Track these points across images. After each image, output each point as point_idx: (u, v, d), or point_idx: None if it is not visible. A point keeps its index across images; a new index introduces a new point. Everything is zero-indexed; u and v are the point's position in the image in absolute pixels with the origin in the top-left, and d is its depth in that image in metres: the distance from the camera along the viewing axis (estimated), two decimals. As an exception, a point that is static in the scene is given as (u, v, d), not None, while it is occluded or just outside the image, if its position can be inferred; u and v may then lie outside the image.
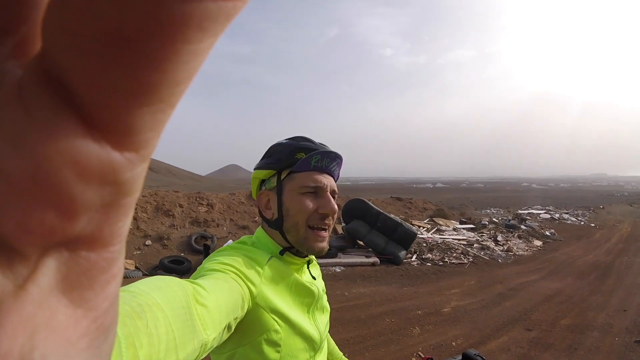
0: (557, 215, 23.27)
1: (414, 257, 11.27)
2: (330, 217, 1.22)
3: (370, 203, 12.51)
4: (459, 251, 12.12)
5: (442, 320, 6.46)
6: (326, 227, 1.23)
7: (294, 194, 1.20)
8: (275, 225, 1.23)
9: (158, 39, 0.14)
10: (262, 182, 1.28)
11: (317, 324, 1.25)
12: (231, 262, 1.03)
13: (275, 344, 1.07)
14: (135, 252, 10.42)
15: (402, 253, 10.83)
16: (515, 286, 8.79)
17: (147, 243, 10.91)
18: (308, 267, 1.34)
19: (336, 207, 1.23)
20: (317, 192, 1.21)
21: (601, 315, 6.93)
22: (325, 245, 1.23)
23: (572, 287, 8.81)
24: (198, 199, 13.51)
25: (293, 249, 1.24)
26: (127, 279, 8.64)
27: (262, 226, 1.31)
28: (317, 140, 1.29)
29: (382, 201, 19.49)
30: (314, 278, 1.33)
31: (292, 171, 1.21)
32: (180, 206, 12.88)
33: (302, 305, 1.21)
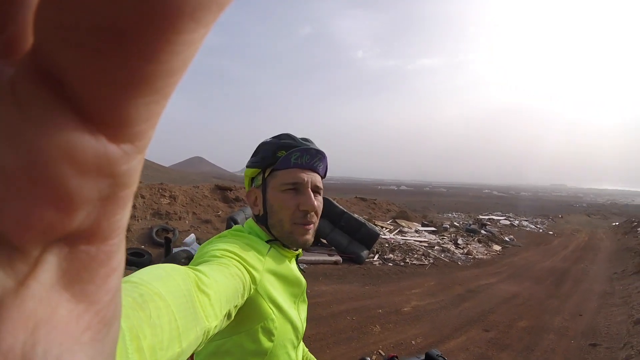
0: (517, 222, 23.73)
1: (376, 257, 11.30)
2: (312, 214, 1.24)
3: (334, 202, 12.51)
4: (420, 253, 12.20)
5: (402, 319, 6.48)
6: (310, 222, 1.25)
7: (276, 192, 1.24)
8: (261, 221, 1.28)
9: (152, 31, 0.14)
10: (252, 180, 1.31)
11: (300, 315, 1.29)
12: (234, 249, 1.03)
13: (270, 333, 1.10)
14: None
15: (365, 253, 10.86)
16: (474, 288, 8.92)
17: None
18: (296, 260, 1.37)
19: (316, 203, 1.25)
20: (298, 188, 1.24)
21: (557, 318, 7.07)
22: (309, 237, 1.26)
23: (530, 290, 8.98)
24: (160, 191, 13.27)
25: (278, 241, 1.26)
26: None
27: (252, 219, 1.34)
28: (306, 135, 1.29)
29: (346, 200, 19.56)
30: (302, 270, 1.36)
31: (274, 169, 1.24)
32: (142, 197, 12.63)
33: (291, 295, 1.23)
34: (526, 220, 25.08)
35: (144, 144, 0.18)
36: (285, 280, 1.21)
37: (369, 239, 11.34)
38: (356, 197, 21.27)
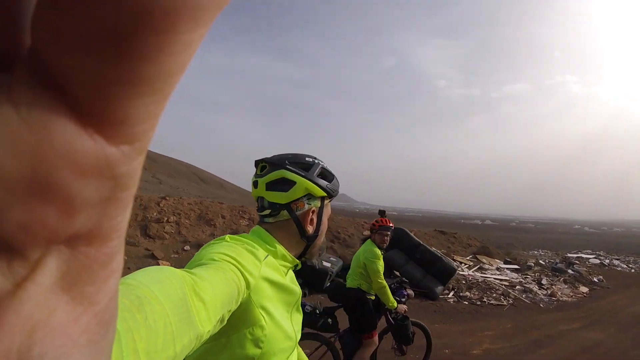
0: (607, 260, 22.38)
1: (451, 293, 11.03)
2: None
3: (411, 233, 12.36)
4: (500, 292, 11.76)
5: (470, 363, 6.26)
6: None
7: (326, 218, 1.41)
8: (308, 239, 1.35)
9: (151, 32, 0.14)
10: (306, 196, 1.33)
11: (294, 324, 1.30)
12: (232, 253, 1.04)
13: (258, 339, 1.09)
14: (173, 255, 10.87)
15: (439, 288, 10.63)
16: (554, 334, 8.45)
17: (185, 248, 11.36)
18: (295, 270, 1.42)
19: None
20: None
21: (642, 372, 6.55)
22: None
23: (614, 338, 8.38)
24: (240, 212, 13.74)
25: (298, 256, 1.37)
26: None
27: (268, 229, 1.33)
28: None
29: (425, 233, 19.23)
30: (297, 277, 1.44)
31: (330, 197, 1.39)
32: (223, 217, 13.13)
33: (284, 304, 1.25)
34: (617, 259, 23.63)
35: (143, 146, 0.18)
36: (279, 288, 1.22)
37: (445, 274, 11.09)
38: (435, 229, 20.90)
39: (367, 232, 15.12)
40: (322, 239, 1.39)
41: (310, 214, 1.34)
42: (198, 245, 11.33)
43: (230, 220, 13.14)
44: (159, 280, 0.65)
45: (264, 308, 1.11)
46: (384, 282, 4.53)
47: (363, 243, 4.87)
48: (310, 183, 1.31)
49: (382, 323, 5.05)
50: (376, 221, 4.84)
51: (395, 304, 4.64)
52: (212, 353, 1.09)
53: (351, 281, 4.83)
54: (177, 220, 12.54)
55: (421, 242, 12.00)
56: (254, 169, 1.38)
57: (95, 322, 0.19)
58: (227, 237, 1.19)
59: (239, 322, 1.07)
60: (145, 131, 0.17)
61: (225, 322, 0.91)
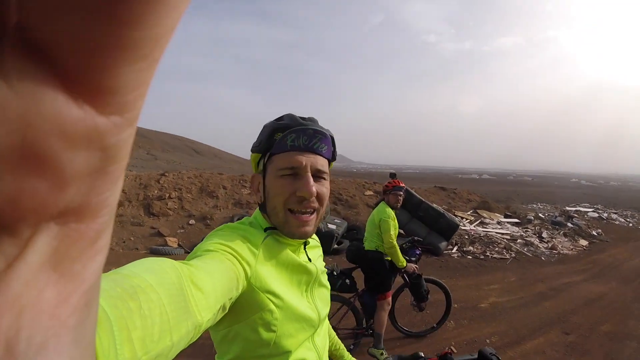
0: (606, 214, 22.57)
1: (455, 249, 11.20)
2: (310, 200, 1.17)
3: (412, 191, 12.40)
4: (502, 246, 11.92)
5: (478, 316, 6.44)
6: (309, 211, 1.18)
7: (273, 177, 1.18)
8: (262, 208, 1.24)
9: None
10: (257, 165, 1.25)
11: (316, 302, 1.26)
12: (227, 242, 1.02)
13: (269, 324, 1.07)
14: (179, 231, 10.89)
15: (443, 244, 10.76)
16: (557, 286, 8.63)
17: (190, 222, 11.38)
18: (305, 249, 1.30)
19: (319, 188, 1.18)
20: (297, 173, 1.16)
21: (643, 324, 6.75)
22: (308, 229, 1.19)
23: (616, 291, 8.59)
24: (241, 182, 13.80)
25: (278, 230, 1.21)
26: (170, 255, 8.90)
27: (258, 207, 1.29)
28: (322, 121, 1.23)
29: (425, 190, 19.31)
30: (309, 260, 1.29)
31: (272, 153, 1.18)
32: (224, 188, 13.16)
33: (299, 283, 1.21)
34: (615, 213, 23.81)
35: (133, 116, 0.18)
36: (286, 267, 1.17)
37: (448, 230, 11.21)
38: (435, 186, 20.93)
39: (369, 192, 15.24)
40: (273, 201, 1.18)
41: (255, 181, 1.26)
42: (203, 218, 11.51)
43: (232, 190, 13.23)
44: (154, 270, 0.64)
45: (270, 292, 1.07)
46: (395, 241, 4.62)
47: (376, 206, 4.94)
48: (251, 153, 1.26)
49: (399, 281, 5.19)
50: (389, 182, 4.91)
51: (405, 263, 4.75)
52: (225, 342, 1.10)
53: (369, 243, 4.91)
54: (179, 196, 12.58)
55: (423, 200, 12.08)
56: (251, 137, 1.27)
57: (83, 302, 0.19)
58: (224, 226, 1.16)
59: (246, 309, 1.04)
60: (134, 100, 0.17)
61: (228, 310, 0.91)
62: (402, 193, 4.85)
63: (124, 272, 0.59)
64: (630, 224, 20.45)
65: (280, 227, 1.19)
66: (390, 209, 4.74)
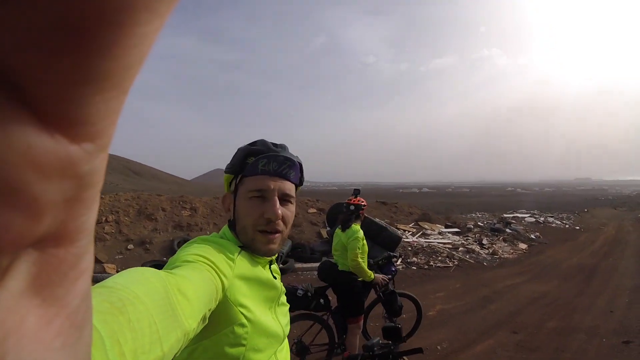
0: (542, 218, 23.34)
1: (399, 261, 11.13)
2: (276, 222, 1.22)
3: (354, 207, 12.36)
4: (445, 255, 12.06)
5: (426, 324, 6.33)
6: (276, 231, 1.24)
7: (243, 199, 1.24)
8: (231, 226, 1.29)
9: (106, 25, 0.14)
10: (230, 185, 1.31)
11: (279, 318, 1.28)
12: (204, 253, 1.02)
13: (240, 338, 1.08)
14: (117, 257, 10.36)
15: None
16: (501, 289, 8.75)
17: (129, 247, 10.82)
18: (270, 267, 1.33)
19: (284, 211, 1.24)
20: (264, 196, 1.23)
21: (587, 317, 6.88)
22: (273, 247, 1.24)
23: (558, 289, 8.78)
24: (181, 203, 13.36)
25: (247, 248, 1.25)
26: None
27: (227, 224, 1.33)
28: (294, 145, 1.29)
29: (367, 205, 19.30)
30: (274, 277, 1.32)
31: (243, 175, 1.25)
32: (163, 210, 12.73)
33: (266, 300, 1.23)
34: (551, 216, 24.67)
35: (105, 142, 0.18)
36: (258, 284, 1.19)
37: (391, 242, 11.18)
38: (377, 201, 21.08)
39: (312, 210, 15.15)
40: (243, 221, 1.23)
41: (226, 200, 1.32)
42: (142, 243, 11.02)
43: (171, 213, 12.71)
44: (140, 281, 0.64)
45: (242, 306, 1.09)
46: (359, 259, 4.55)
47: (343, 224, 4.83)
48: (224, 174, 1.33)
49: (373, 295, 5.18)
50: (359, 200, 4.86)
51: (373, 276, 4.70)
52: (195, 355, 1.07)
53: (342, 265, 4.86)
54: (116, 219, 11.99)
55: (365, 215, 12.07)
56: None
57: (68, 325, 0.19)
58: (198, 238, 1.17)
59: (219, 322, 1.05)
60: (106, 128, 0.17)
61: (207, 321, 0.90)
62: (363, 211, 4.84)
63: (108, 284, 0.59)
64: (567, 226, 21.20)
65: (249, 244, 1.24)
66: (360, 230, 4.68)
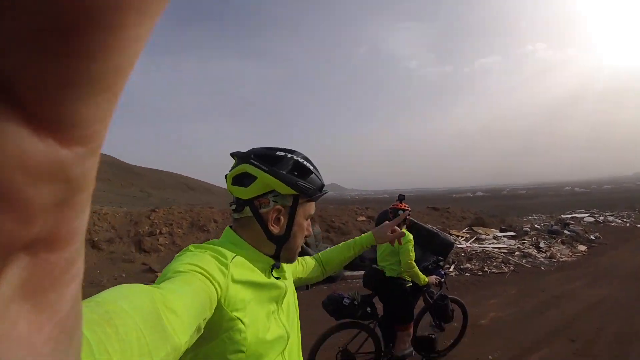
0: (602, 217, 22.56)
1: (452, 267, 11.00)
2: None
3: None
4: (499, 260, 11.77)
5: (479, 333, 6.22)
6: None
7: (302, 219, 1.30)
8: (277, 240, 1.27)
9: (96, 27, 0.14)
10: (271, 192, 1.26)
11: (283, 319, 1.28)
12: (196, 262, 1.02)
13: (238, 343, 1.08)
14: None
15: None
16: (558, 294, 8.43)
17: None
18: (272, 271, 1.32)
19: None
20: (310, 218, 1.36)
21: (650, 322, 6.52)
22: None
23: (619, 293, 8.38)
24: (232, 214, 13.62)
25: (272, 257, 1.29)
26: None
27: (236, 229, 1.31)
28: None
29: (418, 211, 19.14)
30: (277, 278, 1.32)
31: (309, 199, 1.31)
32: (215, 222, 13.00)
33: (266, 301, 1.22)
34: (611, 215, 23.83)
35: (96, 146, 0.17)
36: (256, 287, 1.19)
37: (443, 249, 11.00)
38: (428, 207, 20.85)
39: (361, 218, 15.10)
40: (297, 241, 1.31)
41: (276, 212, 1.26)
42: (194, 255, 11.31)
43: (222, 224, 13.03)
44: (126, 296, 0.64)
45: (239, 311, 1.09)
46: (413, 263, 4.51)
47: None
48: (273, 179, 1.23)
49: (420, 304, 5.10)
50: (403, 204, 4.82)
51: (427, 279, 4.66)
52: None
53: (390, 271, 4.81)
54: (170, 231, 12.40)
55: (415, 221, 11.94)
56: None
57: (58, 330, 0.19)
58: (191, 246, 1.16)
59: (215, 329, 1.05)
60: (97, 131, 0.17)
61: (203, 330, 0.91)
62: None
63: (97, 299, 0.59)
64: (628, 224, 20.39)
65: (290, 255, 1.33)
66: (408, 232, 4.63)
